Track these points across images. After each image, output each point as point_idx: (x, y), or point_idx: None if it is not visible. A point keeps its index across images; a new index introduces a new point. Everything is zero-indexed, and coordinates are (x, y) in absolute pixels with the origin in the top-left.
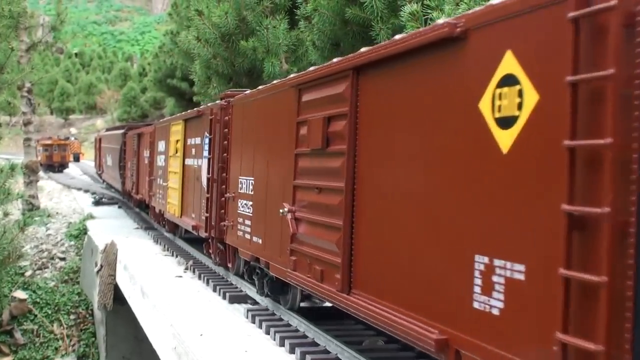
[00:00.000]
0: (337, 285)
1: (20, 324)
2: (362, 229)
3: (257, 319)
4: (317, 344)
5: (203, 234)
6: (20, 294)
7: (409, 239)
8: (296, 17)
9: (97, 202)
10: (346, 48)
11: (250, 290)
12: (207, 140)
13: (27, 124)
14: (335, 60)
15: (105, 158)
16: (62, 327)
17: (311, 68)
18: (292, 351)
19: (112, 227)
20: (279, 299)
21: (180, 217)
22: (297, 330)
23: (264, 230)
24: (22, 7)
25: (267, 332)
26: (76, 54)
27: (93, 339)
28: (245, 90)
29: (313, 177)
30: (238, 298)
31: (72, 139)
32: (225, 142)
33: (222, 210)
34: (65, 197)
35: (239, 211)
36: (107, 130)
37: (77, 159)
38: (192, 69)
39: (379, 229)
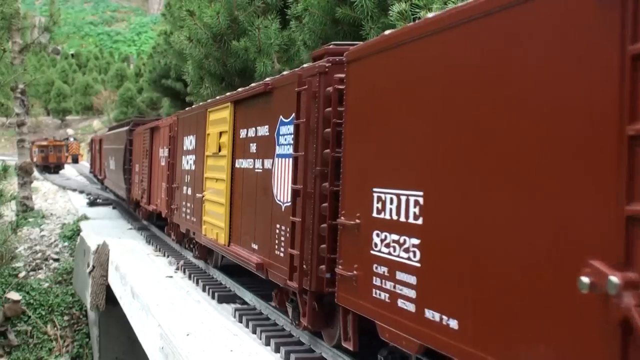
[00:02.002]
0: None
1: (14, 325)
2: None
3: (244, 318)
4: (302, 343)
5: (281, 281)
6: (14, 295)
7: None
8: (287, 17)
9: (92, 203)
10: None
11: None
12: (288, 128)
13: (20, 125)
14: None
15: (108, 161)
16: (55, 328)
17: None
18: (277, 350)
19: (105, 227)
20: None
21: (229, 245)
22: (283, 330)
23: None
24: (15, 8)
25: (254, 332)
26: (72, 55)
27: (87, 339)
28: (355, 44)
29: None
30: (227, 298)
31: (72, 139)
32: (329, 129)
33: (324, 245)
34: (60, 198)
35: (376, 252)
36: (110, 129)
37: (75, 160)
38: (185, 70)
39: None
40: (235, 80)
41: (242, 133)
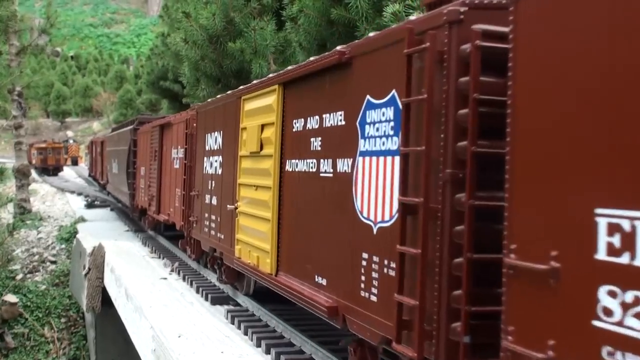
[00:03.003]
0: None
1: (11, 328)
2: None
3: (236, 320)
4: (292, 345)
5: (377, 339)
6: (10, 298)
7: None
8: (282, 19)
9: (90, 205)
10: (332, 48)
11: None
12: (382, 113)
13: (18, 127)
14: None
15: (110, 164)
16: (53, 331)
17: None
18: (267, 352)
19: (102, 229)
20: None
21: (276, 274)
22: (274, 331)
23: None
24: (11, 10)
25: (245, 333)
26: (72, 57)
27: (84, 341)
28: None
29: None
30: (220, 299)
31: (71, 142)
32: (465, 111)
33: (459, 292)
34: (58, 200)
35: (607, 325)
36: (113, 130)
37: (75, 162)
38: (181, 71)
39: None
40: (231, 81)
41: (297, 124)
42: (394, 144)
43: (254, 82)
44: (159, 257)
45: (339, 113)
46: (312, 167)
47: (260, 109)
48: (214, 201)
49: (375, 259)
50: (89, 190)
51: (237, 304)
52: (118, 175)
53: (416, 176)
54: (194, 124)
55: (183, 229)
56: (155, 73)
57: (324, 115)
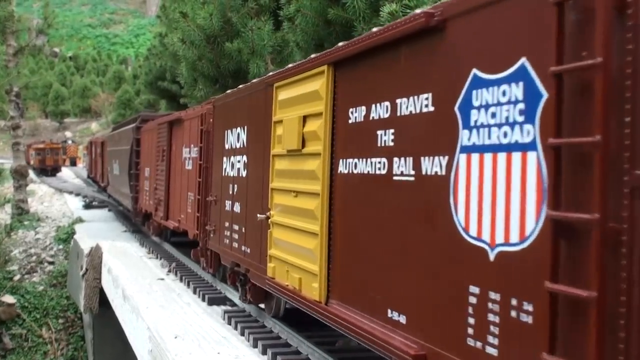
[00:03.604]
0: None
1: (8, 329)
2: None
3: (233, 320)
4: (289, 345)
5: None
6: (8, 299)
7: None
8: (280, 19)
9: (88, 206)
10: (330, 48)
11: (230, 293)
12: (502, 93)
13: (15, 128)
14: None
15: (111, 165)
16: (50, 331)
17: None
18: (264, 352)
19: (100, 230)
20: None
21: (327, 302)
22: (271, 332)
23: None
24: (9, 11)
25: (242, 334)
26: (70, 57)
27: (82, 342)
28: None
29: None
30: (217, 300)
31: (70, 142)
32: None
33: None
34: (56, 201)
35: None
36: (114, 129)
37: (73, 163)
38: (179, 71)
39: None
40: (228, 81)
41: (355, 114)
42: (525, 134)
43: (289, 65)
44: (157, 258)
45: (424, 96)
46: (379, 169)
47: (301, 97)
48: (237, 208)
49: (494, 296)
50: (87, 191)
51: (234, 304)
52: (119, 177)
53: (575, 181)
54: (210, 120)
55: (197, 238)
56: (153, 73)
57: (398, 101)
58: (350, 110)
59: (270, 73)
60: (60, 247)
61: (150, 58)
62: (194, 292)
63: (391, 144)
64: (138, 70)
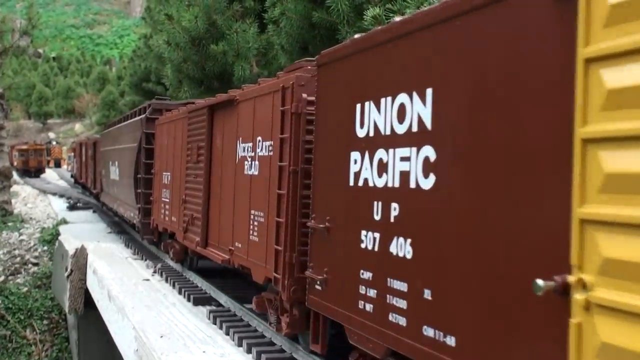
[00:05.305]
0: None
1: None
2: None
3: (218, 320)
4: (273, 344)
5: None
6: None
7: None
8: (265, 21)
9: (72, 207)
10: (314, 51)
11: (215, 292)
12: None
13: None
14: None
15: (107, 168)
16: (35, 333)
17: None
18: (249, 351)
19: (85, 231)
20: None
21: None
22: (255, 331)
23: None
24: None
25: (227, 333)
26: (54, 58)
27: (66, 343)
28: None
29: None
30: (202, 300)
31: (54, 143)
32: None
33: None
34: (40, 202)
35: None
36: (107, 126)
37: (57, 164)
38: (164, 73)
39: None
40: (214, 83)
41: None
42: None
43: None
44: (142, 259)
45: None
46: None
47: None
48: (399, 249)
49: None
50: (72, 192)
51: (219, 304)
52: (119, 183)
53: None
54: (304, 94)
55: (277, 286)
56: (138, 75)
57: None
58: None
59: None
60: (45, 248)
61: (135, 59)
62: (180, 293)
63: None
64: (122, 71)
